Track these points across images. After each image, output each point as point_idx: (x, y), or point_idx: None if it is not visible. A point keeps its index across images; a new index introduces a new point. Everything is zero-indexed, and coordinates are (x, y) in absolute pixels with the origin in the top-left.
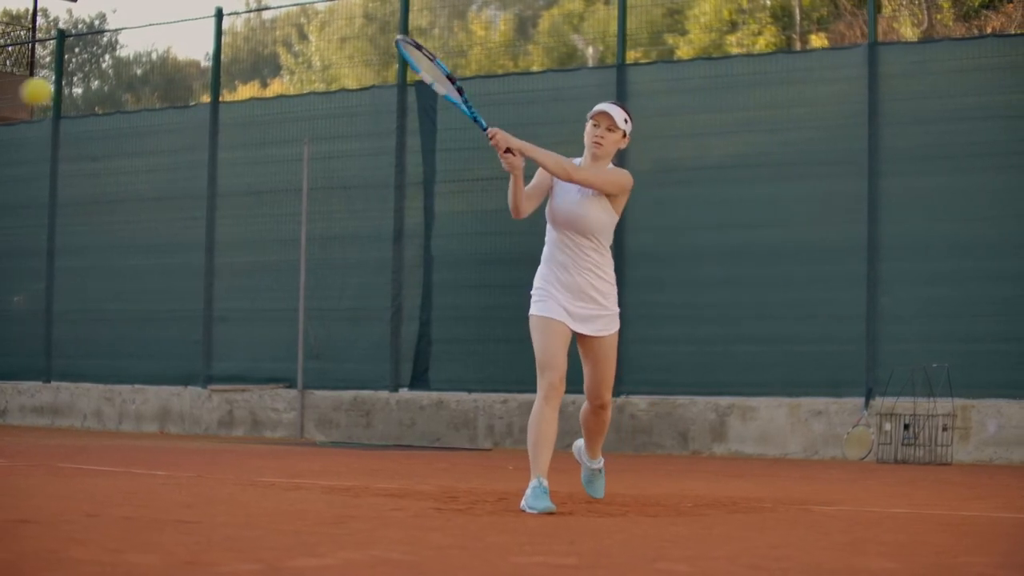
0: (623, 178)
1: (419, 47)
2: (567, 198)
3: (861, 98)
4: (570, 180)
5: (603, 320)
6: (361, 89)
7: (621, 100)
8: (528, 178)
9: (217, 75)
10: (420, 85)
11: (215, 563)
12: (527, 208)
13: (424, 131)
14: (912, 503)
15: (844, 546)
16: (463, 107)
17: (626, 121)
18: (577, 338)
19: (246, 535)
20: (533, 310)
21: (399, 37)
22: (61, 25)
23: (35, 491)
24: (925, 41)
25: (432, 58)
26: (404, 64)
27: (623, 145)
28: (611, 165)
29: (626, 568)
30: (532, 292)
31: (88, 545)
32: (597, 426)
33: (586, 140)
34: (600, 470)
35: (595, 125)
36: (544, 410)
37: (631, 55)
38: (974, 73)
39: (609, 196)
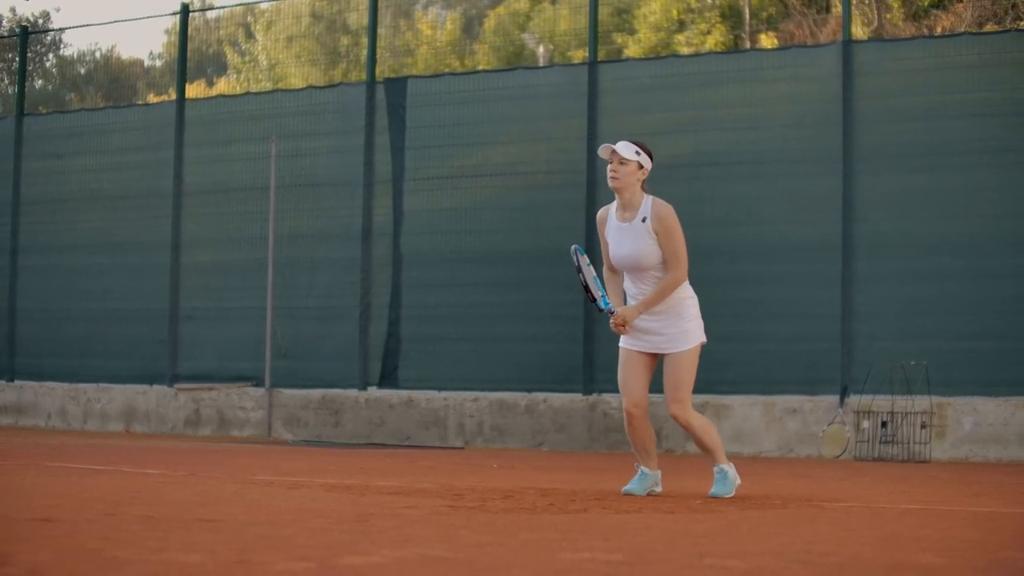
0: (669, 224)
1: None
2: (617, 242)
3: (835, 96)
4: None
5: (667, 337)
6: (329, 86)
7: (592, 98)
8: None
9: (183, 72)
10: (388, 82)
11: (265, 562)
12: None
13: (393, 129)
14: (917, 499)
15: (879, 541)
16: (602, 290)
17: (638, 153)
18: None
19: (278, 533)
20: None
21: (575, 246)
22: (4, 23)
23: (40, 491)
24: (899, 39)
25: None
26: (372, 61)
27: (643, 175)
28: (650, 197)
29: (678, 564)
30: None
31: (126, 545)
32: (693, 436)
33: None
34: (723, 471)
35: (608, 162)
36: (628, 429)
37: (578, 54)
38: (949, 71)
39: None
